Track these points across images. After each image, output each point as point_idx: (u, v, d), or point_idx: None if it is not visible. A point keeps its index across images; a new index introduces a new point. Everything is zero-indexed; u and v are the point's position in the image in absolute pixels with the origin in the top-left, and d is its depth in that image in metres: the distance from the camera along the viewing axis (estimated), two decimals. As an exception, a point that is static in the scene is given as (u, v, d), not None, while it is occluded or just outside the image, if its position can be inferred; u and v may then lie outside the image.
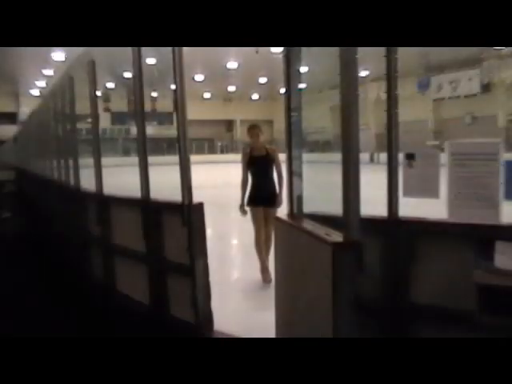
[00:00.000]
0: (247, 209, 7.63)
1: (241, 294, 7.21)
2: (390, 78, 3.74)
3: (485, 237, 3.48)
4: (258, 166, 7.61)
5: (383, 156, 3.85)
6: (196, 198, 5.18)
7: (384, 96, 3.86)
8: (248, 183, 7.73)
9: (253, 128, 7.70)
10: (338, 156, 3.31)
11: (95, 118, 7.55)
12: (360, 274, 3.15)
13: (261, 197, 7.58)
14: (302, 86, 4.54)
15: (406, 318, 3.80)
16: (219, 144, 54.83)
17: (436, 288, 3.67)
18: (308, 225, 3.91)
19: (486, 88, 34.21)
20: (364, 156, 29.79)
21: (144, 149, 5.88)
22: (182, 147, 5.10)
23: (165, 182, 5.85)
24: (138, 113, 5.89)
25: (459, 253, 3.55)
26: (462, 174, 3.66)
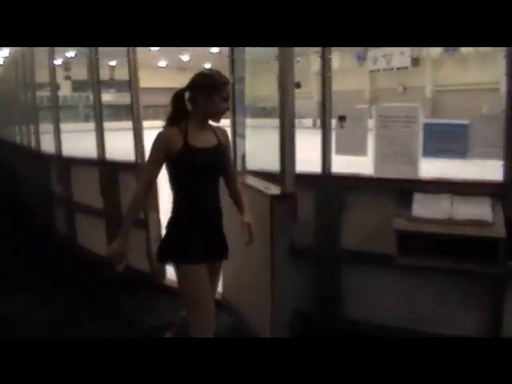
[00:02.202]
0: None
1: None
2: (324, 52, 4.04)
3: (405, 189, 3.61)
4: (204, 171, 2.97)
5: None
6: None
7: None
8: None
9: (223, 81, 2.97)
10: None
11: (54, 85, 7.36)
12: (295, 223, 3.22)
13: (206, 241, 3.02)
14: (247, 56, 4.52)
15: (336, 261, 3.93)
16: (174, 111, 54.15)
17: (362, 235, 3.80)
18: (250, 180, 3.95)
19: (416, 62, 34.62)
20: (308, 122, 29.86)
21: (100, 114, 5.82)
22: (134, 112, 5.10)
23: (122, 145, 5.80)
24: (94, 80, 5.81)
25: (382, 204, 3.68)
26: (386, 135, 3.75)
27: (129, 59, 5.08)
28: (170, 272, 5.38)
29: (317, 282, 4.02)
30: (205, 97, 2.91)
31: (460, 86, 31.87)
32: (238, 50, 4.36)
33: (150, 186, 3.04)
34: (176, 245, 2.98)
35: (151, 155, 2.96)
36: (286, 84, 3.24)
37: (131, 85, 5.15)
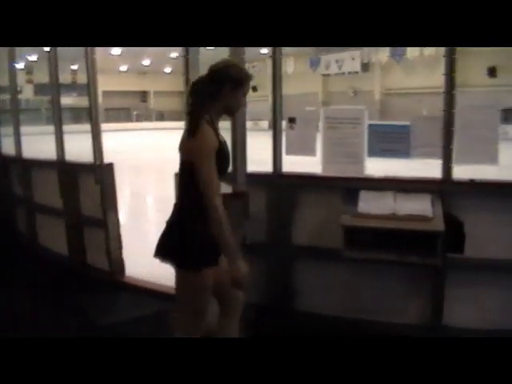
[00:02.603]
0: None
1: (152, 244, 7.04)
2: (275, 57, 3.92)
3: (351, 187, 3.65)
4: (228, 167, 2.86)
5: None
6: (113, 160, 5.14)
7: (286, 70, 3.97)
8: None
9: (248, 75, 2.74)
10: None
11: (15, 89, 7.17)
12: (247, 219, 3.21)
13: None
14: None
15: (287, 256, 3.95)
16: (135, 113, 53.11)
17: (312, 231, 3.83)
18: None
19: (366, 67, 35.11)
20: (265, 123, 29.88)
21: (59, 117, 5.71)
22: (93, 114, 5.02)
23: (83, 147, 5.69)
24: (54, 84, 5.69)
25: (330, 201, 3.71)
26: (334, 135, 3.79)
27: (87, 62, 4.99)
28: (130, 269, 5.32)
29: (270, 276, 4.04)
30: (230, 89, 2.61)
31: (406, 90, 32.56)
32: (192, 51, 4.30)
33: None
34: (205, 248, 2.58)
35: (209, 161, 2.49)
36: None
37: (89, 87, 5.06)
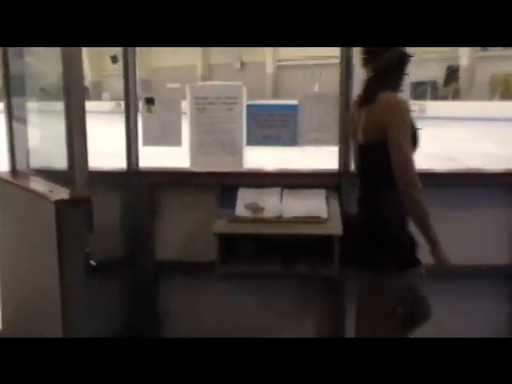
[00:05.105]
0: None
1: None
2: None
3: (228, 185, 3.54)
4: None
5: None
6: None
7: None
8: None
9: None
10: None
11: None
12: (91, 232, 2.96)
13: None
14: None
15: (149, 274, 3.79)
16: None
17: (179, 242, 3.70)
18: (33, 182, 3.60)
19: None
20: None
21: None
22: None
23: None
24: None
25: (203, 203, 3.58)
26: (203, 120, 3.63)
27: None
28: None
29: (128, 301, 3.84)
30: None
31: (302, 61, 33.29)
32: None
33: None
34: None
35: (407, 131, 2.59)
36: (72, 58, 2.93)
37: None
